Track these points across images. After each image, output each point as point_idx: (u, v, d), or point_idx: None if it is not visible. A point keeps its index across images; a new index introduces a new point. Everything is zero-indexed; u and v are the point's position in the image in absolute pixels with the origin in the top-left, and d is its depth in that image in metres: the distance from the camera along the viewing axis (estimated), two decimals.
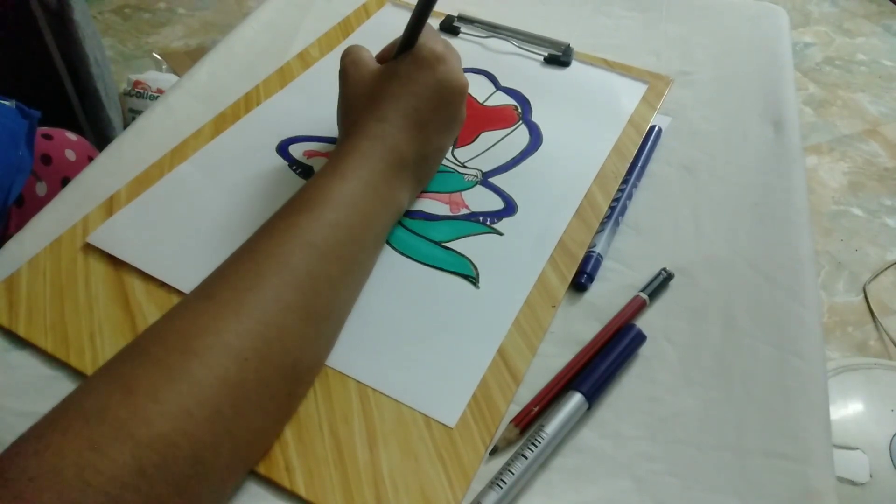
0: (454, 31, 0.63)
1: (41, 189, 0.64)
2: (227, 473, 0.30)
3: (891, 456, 0.93)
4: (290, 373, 0.33)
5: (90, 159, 0.70)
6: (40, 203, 0.63)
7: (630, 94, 0.57)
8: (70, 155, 0.69)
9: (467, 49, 0.61)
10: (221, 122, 0.51)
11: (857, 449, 0.94)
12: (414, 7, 0.41)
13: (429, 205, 0.46)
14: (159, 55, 1.71)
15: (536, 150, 0.51)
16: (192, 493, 0.27)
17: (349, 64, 0.44)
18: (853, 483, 0.91)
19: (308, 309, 0.34)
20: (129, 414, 0.26)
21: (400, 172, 0.41)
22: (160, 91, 1.42)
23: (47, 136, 0.69)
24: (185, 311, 0.32)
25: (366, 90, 0.42)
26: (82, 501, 0.24)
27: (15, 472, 0.24)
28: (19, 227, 0.57)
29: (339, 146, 0.42)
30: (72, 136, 0.72)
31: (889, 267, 1.37)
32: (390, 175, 0.40)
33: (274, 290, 0.33)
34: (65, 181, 0.67)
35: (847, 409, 1.00)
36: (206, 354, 0.29)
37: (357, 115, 0.42)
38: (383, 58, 0.45)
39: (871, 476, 0.92)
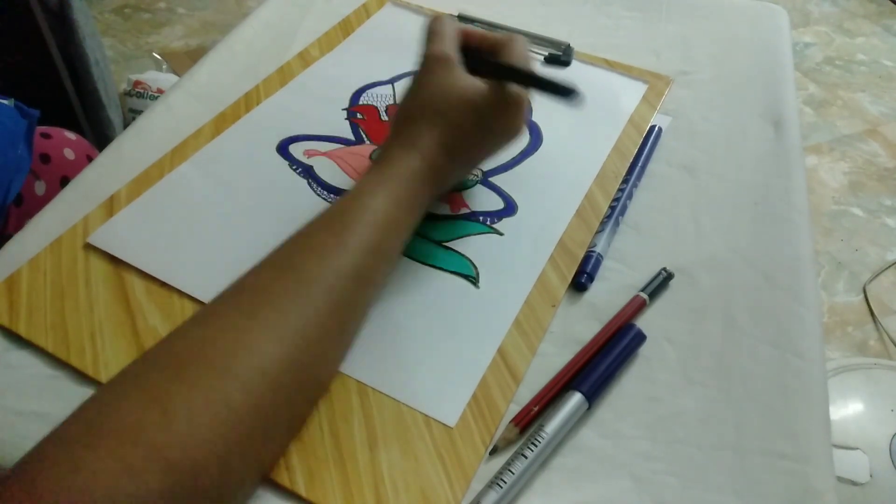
0: None
1: (40, 188, 0.64)
2: (249, 489, 0.31)
3: (891, 456, 0.93)
4: (314, 393, 0.34)
5: (89, 158, 0.70)
6: (39, 202, 0.63)
7: (630, 93, 0.57)
8: (69, 154, 0.69)
9: None
10: (221, 122, 0.51)
11: (857, 449, 0.94)
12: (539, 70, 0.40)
13: None
14: (159, 55, 1.71)
15: (537, 150, 0.51)
16: None
17: (436, 62, 0.40)
18: (853, 483, 0.91)
19: (342, 333, 0.34)
20: (165, 438, 0.26)
21: (430, 186, 0.40)
22: (160, 91, 1.42)
23: (46, 136, 0.69)
24: (225, 325, 0.31)
25: (440, 102, 0.40)
26: None
27: (43, 484, 0.24)
28: (18, 226, 0.57)
29: (390, 154, 0.40)
30: (70, 136, 0.72)
31: (889, 267, 1.37)
32: (421, 189, 0.39)
33: (315, 313, 0.32)
34: (64, 180, 0.67)
35: (847, 409, 1.00)
36: (243, 375, 0.29)
37: (420, 126, 0.40)
38: (470, 39, 0.43)
39: (871, 476, 0.92)
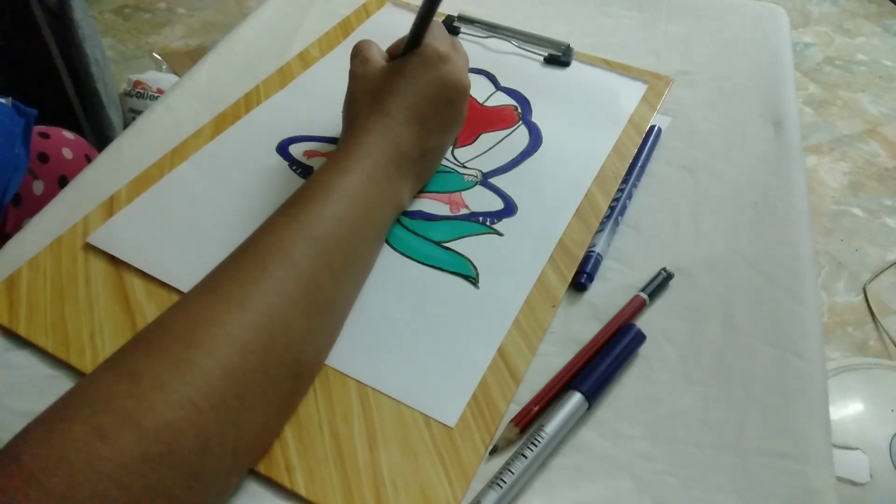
0: (454, 32, 0.63)
1: (38, 188, 0.64)
2: (232, 465, 0.30)
3: (891, 456, 0.93)
4: (294, 366, 0.33)
5: (87, 158, 0.70)
6: (37, 202, 0.63)
7: (630, 94, 0.57)
8: (67, 153, 0.68)
9: (467, 49, 0.60)
10: (221, 122, 0.51)
11: (857, 449, 0.94)
12: (420, 5, 0.41)
13: (429, 205, 0.46)
14: (159, 55, 1.71)
15: (536, 151, 0.51)
16: (199, 482, 0.28)
17: (358, 63, 0.44)
18: (853, 483, 0.91)
19: (311, 302, 0.34)
20: (135, 403, 0.27)
21: (401, 168, 0.42)
22: (160, 91, 1.42)
23: (44, 135, 0.69)
24: (189, 303, 0.32)
25: (371, 87, 0.43)
26: (90, 487, 0.24)
27: (26, 457, 0.25)
28: (16, 225, 0.57)
29: (342, 141, 0.43)
30: (69, 135, 0.72)
31: (889, 267, 1.37)
32: (391, 170, 0.41)
33: (277, 283, 0.33)
34: (62, 180, 0.66)
35: (847, 409, 1.00)
36: (211, 345, 0.29)
37: (360, 110, 0.43)
38: (393, 51, 0.46)
39: (871, 476, 0.92)
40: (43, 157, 0.66)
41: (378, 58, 0.45)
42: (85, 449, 0.25)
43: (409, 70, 0.42)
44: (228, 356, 0.30)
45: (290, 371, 0.33)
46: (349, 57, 0.45)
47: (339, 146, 0.42)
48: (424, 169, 0.45)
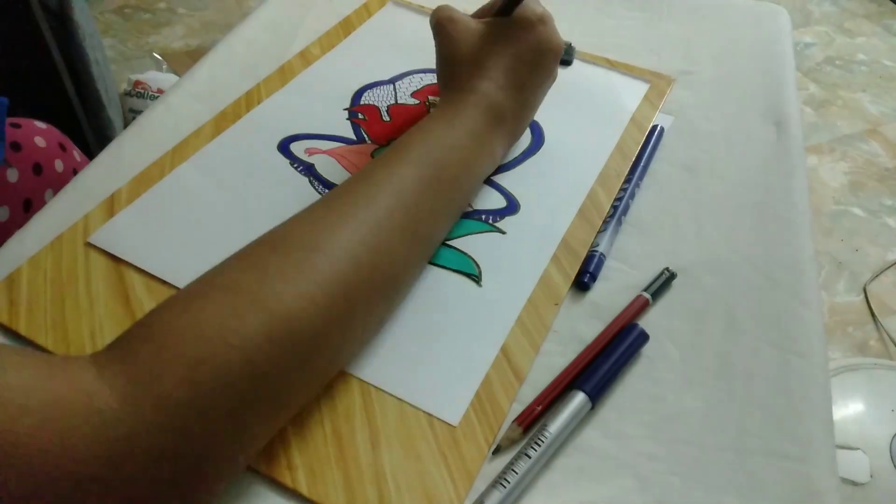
0: None
1: (12, 175, 0.64)
2: (329, 361, 0.33)
3: (891, 456, 0.93)
4: (393, 284, 0.36)
5: (61, 146, 0.71)
6: (12, 189, 0.63)
7: (632, 93, 0.57)
8: (40, 142, 0.68)
9: None
10: (222, 122, 0.51)
11: (858, 449, 0.94)
12: None
13: None
14: (159, 55, 1.71)
15: (539, 150, 0.51)
16: (307, 369, 0.31)
17: (446, 21, 0.45)
18: (854, 483, 0.91)
19: (413, 232, 0.37)
20: (263, 289, 0.30)
21: (498, 126, 0.44)
22: (160, 91, 1.42)
23: (15, 125, 0.69)
24: (308, 216, 0.35)
25: (469, 49, 0.45)
26: (219, 357, 0.27)
27: (159, 326, 0.28)
28: None
29: (445, 98, 0.45)
30: (40, 125, 0.72)
31: (889, 267, 1.37)
32: (490, 128, 0.43)
33: (387, 209, 0.36)
34: (36, 167, 0.66)
35: (848, 410, 1.00)
36: (329, 252, 0.32)
37: (462, 72, 0.45)
38: (481, 16, 0.47)
39: (871, 476, 0.92)
40: (16, 146, 0.66)
41: (466, 18, 0.46)
42: (218, 324, 0.28)
43: (511, 33, 0.44)
44: (343, 264, 0.32)
45: (390, 287, 0.36)
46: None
47: (441, 102, 0.45)
48: (518, 126, 0.47)
